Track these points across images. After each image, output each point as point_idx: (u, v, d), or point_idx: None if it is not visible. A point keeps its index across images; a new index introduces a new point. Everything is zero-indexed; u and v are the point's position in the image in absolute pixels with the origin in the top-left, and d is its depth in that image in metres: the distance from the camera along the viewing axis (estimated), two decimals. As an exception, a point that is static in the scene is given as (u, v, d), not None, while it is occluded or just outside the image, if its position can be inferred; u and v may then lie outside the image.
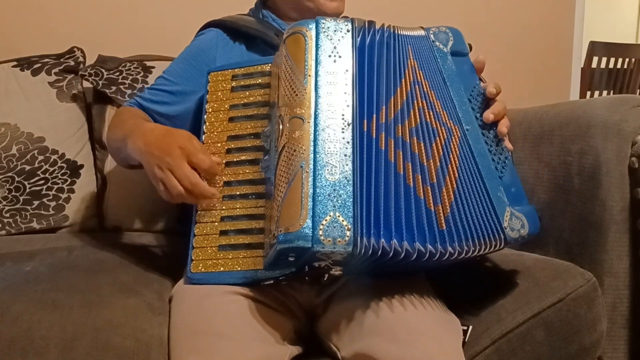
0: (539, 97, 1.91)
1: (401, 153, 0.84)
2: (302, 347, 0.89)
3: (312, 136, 0.79)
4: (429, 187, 0.83)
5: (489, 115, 0.90)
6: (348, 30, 0.86)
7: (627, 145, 1.09)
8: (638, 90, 3.63)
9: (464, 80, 0.92)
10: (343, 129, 0.80)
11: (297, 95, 0.82)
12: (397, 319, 0.83)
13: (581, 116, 1.15)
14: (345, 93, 0.83)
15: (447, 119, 0.88)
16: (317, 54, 0.84)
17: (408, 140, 0.85)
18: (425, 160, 0.84)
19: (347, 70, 0.84)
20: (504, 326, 0.94)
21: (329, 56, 0.84)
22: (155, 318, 0.88)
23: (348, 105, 0.82)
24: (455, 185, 0.84)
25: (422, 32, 0.94)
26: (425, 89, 0.89)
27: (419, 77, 0.89)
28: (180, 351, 0.81)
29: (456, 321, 0.90)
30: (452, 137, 0.87)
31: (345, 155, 0.79)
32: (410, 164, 0.83)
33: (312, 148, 0.79)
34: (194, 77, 1.11)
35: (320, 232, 0.75)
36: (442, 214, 0.82)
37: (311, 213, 0.75)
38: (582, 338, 0.98)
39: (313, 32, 0.85)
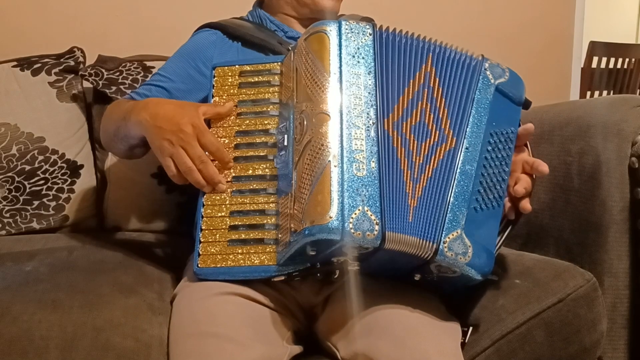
0: (539, 97, 1.90)
1: (404, 150, 0.85)
2: (302, 347, 0.89)
3: (339, 132, 0.82)
4: (411, 182, 0.85)
5: (520, 189, 0.90)
6: (370, 34, 0.88)
7: (627, 145, 1.09)
8: (638, 90, 3.62)
9: (497, 117, 0.91)
10: (368, 127, 0.83)
11: (322, 91, 0.84)
12: (395, 319, 0.84)
13: (581, 116, 1.14)
14: (369, 93, 0.85)
15: (447, 126, 0.88)
16: (340, 53, 0.86)
17: (408, 138, 0.86)
18: (415, 157, 0.86)
19: (370, 72, 0.86)
20: (504, 327, 0.94)
21: (353, 56, 0.86)
22: (155, 318, 0.88)
23: (372, 105, 0.84)
24: (425, 183, 0.85)
25: (479, 58, 0.94)
26: (435, 94, 0.89)
27: (432, 82, 0.89)
28: (180, 352, 0.81)
29: (455, 321, 0.90)
30: (444, 144, 0.87)
31: (372, 152, 0.82)
32: (407, 160, 0.85)
33: (339, 144, 0.81)
34: (190, 75, 1.11)
35: (351, 225, 0.77)
36: (411, 207, 0.84)
37: (340, 207, 0.77)
38: (582, 338, 0.97)
39: (335, 33, 0.87)
